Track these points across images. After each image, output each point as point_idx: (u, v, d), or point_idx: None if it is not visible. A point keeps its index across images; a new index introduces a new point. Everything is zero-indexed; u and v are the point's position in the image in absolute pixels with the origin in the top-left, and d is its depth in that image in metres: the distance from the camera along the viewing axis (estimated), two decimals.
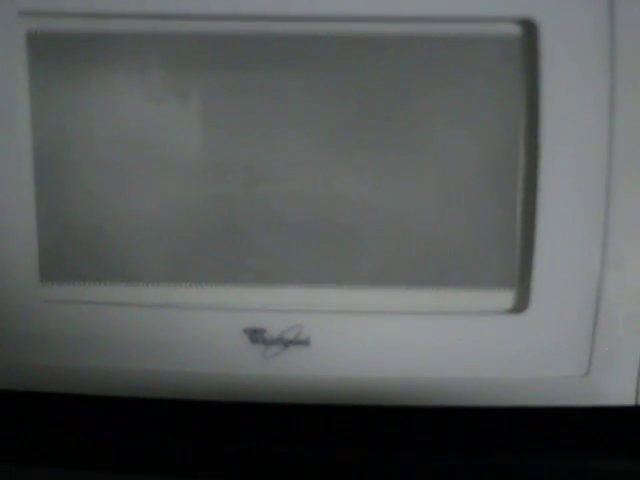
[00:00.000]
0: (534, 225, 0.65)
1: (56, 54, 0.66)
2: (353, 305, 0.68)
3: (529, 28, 0.64)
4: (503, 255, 0.67)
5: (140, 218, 0.68)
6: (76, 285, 0.69)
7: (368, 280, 0.68)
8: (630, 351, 0.67)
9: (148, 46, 0.66)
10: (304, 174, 0.67)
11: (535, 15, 0.63)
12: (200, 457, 0.69)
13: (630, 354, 0.67)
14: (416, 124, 0.66)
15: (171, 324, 0.68)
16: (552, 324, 0.67)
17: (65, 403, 0.70)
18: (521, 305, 0.67)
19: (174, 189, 0.68)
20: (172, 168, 0.67)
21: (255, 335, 0.68)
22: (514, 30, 0.64)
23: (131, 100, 0.67)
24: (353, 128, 0.66)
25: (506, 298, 0.68)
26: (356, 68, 0.66)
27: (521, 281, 0.67)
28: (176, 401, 0.69)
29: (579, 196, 0.65)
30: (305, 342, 0.68)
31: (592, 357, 0.67)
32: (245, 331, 0.68)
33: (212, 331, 0.68)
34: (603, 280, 0.66)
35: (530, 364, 0.67)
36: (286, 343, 0.68)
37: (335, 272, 0.68)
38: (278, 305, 0.68)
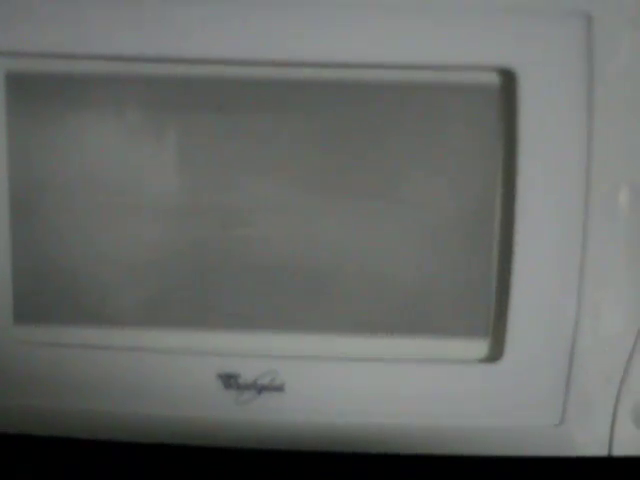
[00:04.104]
0: (510, 275, 0.65)
1: (34, 95, 0.66)
2: (328, 351, 0.68)
3: (508, 78, 0.64)
4: (478, 304, 0.67)
5: (115, 261, 0.68)
6: (50, 327, 0.69)
7: (343, 327, 0.68)
8: (604, 402, 0.67)
9: (125, 88, 0.66)
10: (280, 219, 0.67)
11: (515, 65, 0.63)
12: None
13: (604, 405, 0.67)
14: (394, 171, 0.66)
15: (145, 367, 0.68)
16: (526, 374, 0.67)
17: (37, 444, 0.69)
18: (495, 354, 0.67)
19: (149, 232, 0.68)
20: (148, 211, 0.67)
21: (229, 380, 0.67)
22: (493, 79, 0.65)
23: (108, 142, 0.67)
24: (330, 174, 0.66)
25: (480, 347, 0.68)
26: (335, 114, 0.66)
27: (496, 330, 0.67)
28: (149, 445, 0.69)
29: (555, 246, 0.65)
30: (279, 388, 0.67)
31: (566, 407, 0.67)
32: (219, 376, 0.67)
33: (186, 375, 0.67)
34: (578, 330, 0.66)
35: (503, 413, 0.67)
36: (260, 389, 0.67)
37: (311, 318, 0.68)
38: (253, 350, 0.68)
